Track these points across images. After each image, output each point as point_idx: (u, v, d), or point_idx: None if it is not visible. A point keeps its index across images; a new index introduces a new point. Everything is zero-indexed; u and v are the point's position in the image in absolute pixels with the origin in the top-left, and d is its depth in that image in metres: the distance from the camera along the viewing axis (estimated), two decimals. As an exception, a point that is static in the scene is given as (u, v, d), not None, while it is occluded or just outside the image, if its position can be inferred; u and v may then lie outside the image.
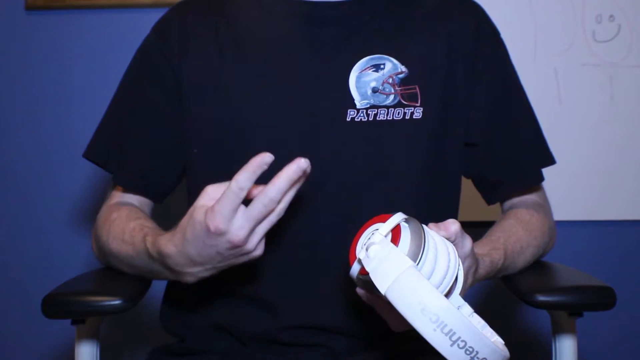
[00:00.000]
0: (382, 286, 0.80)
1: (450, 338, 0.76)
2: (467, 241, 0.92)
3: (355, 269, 0.88)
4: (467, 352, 0.77)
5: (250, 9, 1.17)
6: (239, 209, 0.88)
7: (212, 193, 0.91)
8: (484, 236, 1.13)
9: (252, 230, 0.89)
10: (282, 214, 0.90)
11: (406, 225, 0.85)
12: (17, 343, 1.87)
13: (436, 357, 1.13)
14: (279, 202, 0.88)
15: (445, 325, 0.76)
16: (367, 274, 0.83)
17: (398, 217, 0.85)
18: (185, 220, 0.93)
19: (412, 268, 0.80)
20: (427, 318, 0.76)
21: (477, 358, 0.77)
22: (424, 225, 0.86)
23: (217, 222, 0.87)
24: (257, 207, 0.87)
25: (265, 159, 0.86)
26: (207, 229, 0.88)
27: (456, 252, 0.88)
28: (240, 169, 0.88)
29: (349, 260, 0.88)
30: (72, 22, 1.81)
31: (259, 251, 0.92)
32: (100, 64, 1.80)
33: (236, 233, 0.88)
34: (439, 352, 0.77)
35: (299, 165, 0.86)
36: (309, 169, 0.88)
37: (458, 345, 0.76)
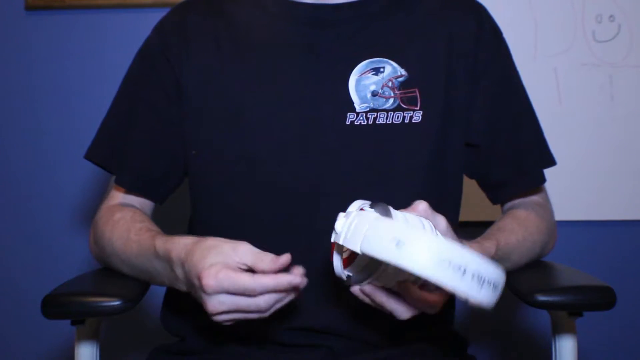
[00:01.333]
0: (355, 246, 0.81)
1: (434, 260, 0.75)
2: (440, 219, 0.93)
3: (337, 265, 0.90)
4: (456, 269, 0.75)
5: (250, 11, 1.17)
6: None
7: (242, 253, 0.92)
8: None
9: (228, 312, 0.91)
10: (263, 316, 0.92)
11: (372, 209, 0.87)
12: (17, 343, 1.87)
13: (437, 358, 1.13)
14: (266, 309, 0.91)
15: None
16: (351, 263, 0.86)
17: (358, 203, 0.88)
18: (204, 245, 0.94)
19: (379, 217, 0.81)
20: (401, 249, 0.76)
21: (469, 272, 0.75)
22: (391, 207, 0.87)
23: (210, 283, 0.89)
24: (246, 302, 0.90)
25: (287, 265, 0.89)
26: (199, 277, 0.90)
27: (432, 225, 0.89)
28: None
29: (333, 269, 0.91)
30: (72, 22, 1.81)
31: (221, 320, 0.93)
32: (100, 64, 1.81)
33: (213, 303, 0.91)
34: (428, 279, 0.76)
35: (291, 281, 0.89)
36: (302, 284, 0.90)
37: (444, 265, 0.75)
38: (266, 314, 0.92)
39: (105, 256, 1.15)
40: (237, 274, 0.89)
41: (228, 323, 0.94)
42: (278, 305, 0.92)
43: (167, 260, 1.00)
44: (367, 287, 0.91)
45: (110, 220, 1.13)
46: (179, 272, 0.98)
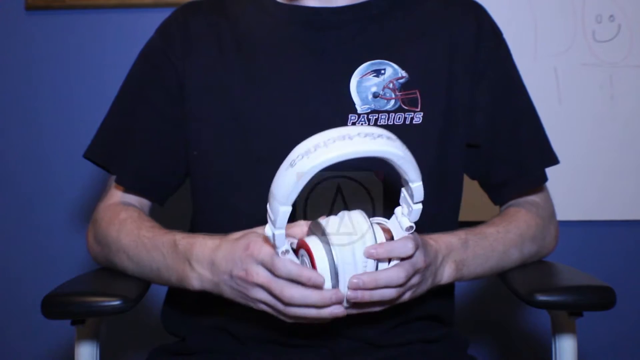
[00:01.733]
0: (277, 208, 0.86)
1: (322, 146, 0.83)
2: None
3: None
4: (342, 139, 0.83)
5: (252, 13, 1.18)
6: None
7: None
8: None
9: (265, 287, 0.93)
10: (284, 312, 0.94)
11: None
12: (17, 343, 1.87)
13: (437, 358, 1.13)
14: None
15: (306, 152, 0.83)
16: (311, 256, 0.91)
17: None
18: (234, 234, 0.98)
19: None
20: (295, 165, 0.83)
21: (353, 135, 0.83)
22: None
23: (255, 251, 0.92)
24: (272, 283, 0.92)
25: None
26: (248, 246, 0.93)
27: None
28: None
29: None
30: (72, 22, 1.81)
31: (256, 296, 0.95)
32: (100, 64, 1.80)
33: (252, 272, 0.93)
34: (330, 162, 0.82)
35: (313, 278, 0.91)
36: (319, 283, 0.91)
37: (329, 144, 0.83)
38: (286, 311, 0.93)
39: (110, 254, 1.14)
40: (272, 250, 0.91)
41: (258, 303, 0.96)
42: (302, 312, 0.92)
43: (187, 252, 1.01)
44: (352, 279, 0.91)
45: (115, 219, 1.14)
46: (199, 264, 0.99)
